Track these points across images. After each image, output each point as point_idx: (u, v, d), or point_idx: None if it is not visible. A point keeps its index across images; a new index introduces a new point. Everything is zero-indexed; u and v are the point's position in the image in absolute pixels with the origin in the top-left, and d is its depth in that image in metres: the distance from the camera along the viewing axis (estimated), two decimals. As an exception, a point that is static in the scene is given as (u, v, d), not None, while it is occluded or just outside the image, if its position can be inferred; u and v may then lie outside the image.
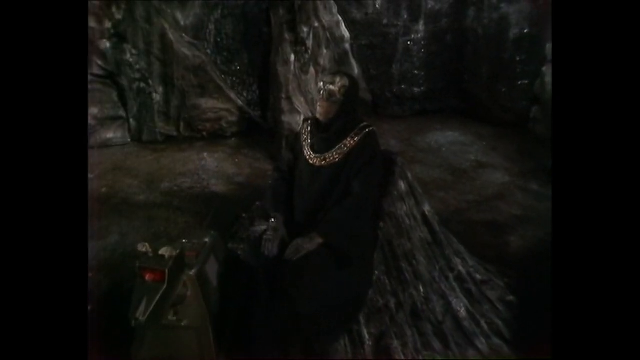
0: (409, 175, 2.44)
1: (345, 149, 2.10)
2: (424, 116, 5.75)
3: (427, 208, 2.49)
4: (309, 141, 2.21)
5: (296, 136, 2.37)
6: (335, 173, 2.11)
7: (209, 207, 3.56)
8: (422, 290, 2.27)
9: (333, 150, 2.11)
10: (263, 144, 4.90)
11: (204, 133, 5.12)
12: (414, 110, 5.80)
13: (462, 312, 2.27)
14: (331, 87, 2.07)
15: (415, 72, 5.65)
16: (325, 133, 2.15)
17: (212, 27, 4.90)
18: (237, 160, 4.60)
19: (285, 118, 4.57)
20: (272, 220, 2.13)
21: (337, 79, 2.09)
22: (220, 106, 5.08)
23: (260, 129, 5.16)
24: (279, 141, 4.54)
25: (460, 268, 2.44)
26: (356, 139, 2.10)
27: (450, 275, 2.39)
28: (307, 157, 2.18)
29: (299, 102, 4.62)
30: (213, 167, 4.42)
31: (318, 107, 2.13)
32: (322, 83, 2.11)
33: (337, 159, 2.10)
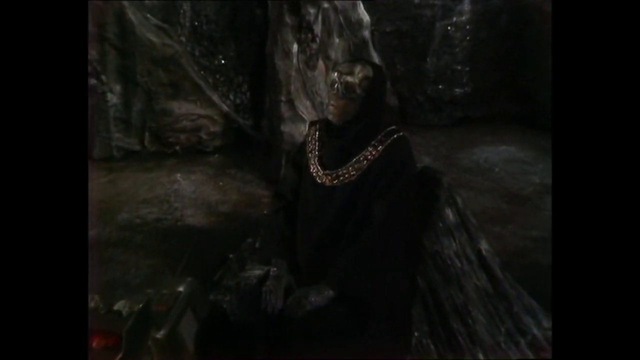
0: (459, 201, 2.38)
1: (365, 162, 2.08)
2: (469, 125, 5.73)
3: (484, 246, 2.42)
4: (317, 152, 2.21)
5: (300, 147, 2.35)
6: (352, 195, 2.09)
7: (183, 245, 3.49)
8: (482, 360, 2.20)
9: (349, 164, 2.10)
10: (256, 162, 4.87)
11: (177, 147, 5.11)
12: (456, 117, 5.80)
13: (541, 393, 2.19)
14: (349, 78, 2.05)
15: (457, 67, 5.65)
16: (339, 140, 2.14)
17: (187, 6, 4.89)
18: (221, 183, 4.58)
19: (286, 128, 4.54)
20: (273, 268, 2.10)
21: (357, 69, 2.07)
22: (199, 112, 5.07)
23: (253, 142, 5.15)
24: (278, 158, 4.50)
25: (535, 331, 2.33)
26: (380, 148, 2.08)
27: (522, 341, 2.29)
28: (315, 174, 2.17)
29: (304, 107, 4.59)
30: (189, 193, 4.39)
31: (330, 107, 2.11)
32: (336, 74, 2.09)
33: (354, 176, 2.08)
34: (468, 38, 5.57)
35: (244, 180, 4.63)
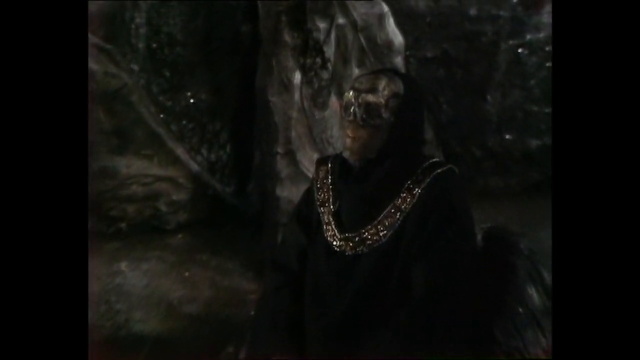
0: (546, 277, 2.39)
1: (399, 215, 2.12)
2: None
3: (586, 345, 2.35)
4: (331, 206, 2.27)
5: (307, 195, 2.44)
6: (383, 264, 2.13)
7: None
8: None
9: (376, 221, 2.14)
10: (239, 244, 4.91)
11: (122, 225, 5.13)
12: (531, 181, 5.81)
13: None
14: (371, 98, 2.12)
15: (533, 107, 5.68)
16: (361, 186, 2.22)
17: (141, 19, 4.96)
18: (187, 274, 4.59)
19: (283, 191, 4.57)
20: None
21: (382, 84, 2.15)
22: (157, 172, 5.11)
23: (235, 215, 5.20)
24: (271, 236, 4.49)
25: None
26: (417, 190, 2.12)
27: None
28: (330, 239, 2.23)
29: (309, 162, 4.55)
30: (139, 289, 4.41)
31: (347, 139, 2.19)
32: (352, 92, 2.17)
33: (385, 237, 2.13)
34: (548, 64, 5.53)
35: (221, 269, 4.66)
